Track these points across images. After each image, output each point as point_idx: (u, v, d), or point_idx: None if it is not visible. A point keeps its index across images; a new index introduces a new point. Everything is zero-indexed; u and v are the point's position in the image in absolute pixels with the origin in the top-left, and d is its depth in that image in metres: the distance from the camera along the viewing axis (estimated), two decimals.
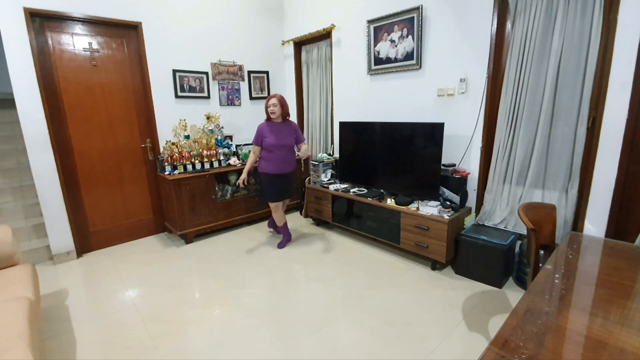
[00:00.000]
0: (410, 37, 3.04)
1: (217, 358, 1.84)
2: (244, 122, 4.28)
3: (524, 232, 2.49)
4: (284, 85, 4.64)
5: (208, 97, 3.90)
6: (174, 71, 3.59)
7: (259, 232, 3.75)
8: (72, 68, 3.04)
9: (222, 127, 3.89)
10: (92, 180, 3.27)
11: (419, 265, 2.84)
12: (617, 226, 2.19)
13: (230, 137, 4.08)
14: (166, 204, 3.56)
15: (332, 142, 4.17)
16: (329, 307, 2.29)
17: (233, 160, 3.74)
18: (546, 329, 1.01)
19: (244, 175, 3.09)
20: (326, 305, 2.31)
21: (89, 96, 3.16)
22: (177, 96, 3.65)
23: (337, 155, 3.92)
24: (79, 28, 3.04)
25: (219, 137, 3.79)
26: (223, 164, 3.68)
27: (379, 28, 3.27)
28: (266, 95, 4.46)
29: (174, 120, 3.61)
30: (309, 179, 4.04)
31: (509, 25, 2.53)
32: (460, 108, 2.84)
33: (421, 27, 2.94)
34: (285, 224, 3.34)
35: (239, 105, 4.22)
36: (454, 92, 2.85)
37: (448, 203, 2.74)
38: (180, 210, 3.31)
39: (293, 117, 4.68)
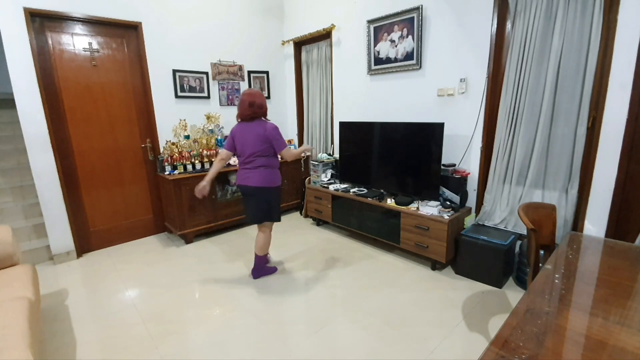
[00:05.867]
0: (410, 37, 3.04)
1: (217, 358, 1.84)
2: None
3: (524, 232, 2.49)
4: (284, 85, 4.64)
5: (208, 97, 3.90)
6: (174, 71, 3.59)
7: None
8: (72, 68, 3.04)
9: (222, 127, 3.89)
10: (92, 180, 3.27)
11: (419, 265, 2.84)
12: (617, 226, 2.19)
13: None
14: (166, 204, 3.56)
15: (332, 142, 4.17)
16: (329, 307, 2.29)
17: (233, 160, 3.73)
18: (546, 329, 1.01)
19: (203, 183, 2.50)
20: (326, 305, 2.31)
21: (89, 96, 3.15)
22: (177, 96, 3.65)
23: (337, 155, 3.92)
24: (79, 28, 3.04)
25: (219, 137, 3.79)
26: None
27: (379, 28, 3.27)
28: (266, 95, 4.45)
29: (174, 120, 3.61)
30: (309, 179, 4.04)
31: (509, 25, 2.53)
32: (460, 108, 2.84)
33: (421, 27, 2.94)
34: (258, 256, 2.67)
35: None
36: (454, 92, 2.85)
37: (448, 203, 2.74)
38: (180, 210, 3.30)
39: (293, 118, 4.68)
